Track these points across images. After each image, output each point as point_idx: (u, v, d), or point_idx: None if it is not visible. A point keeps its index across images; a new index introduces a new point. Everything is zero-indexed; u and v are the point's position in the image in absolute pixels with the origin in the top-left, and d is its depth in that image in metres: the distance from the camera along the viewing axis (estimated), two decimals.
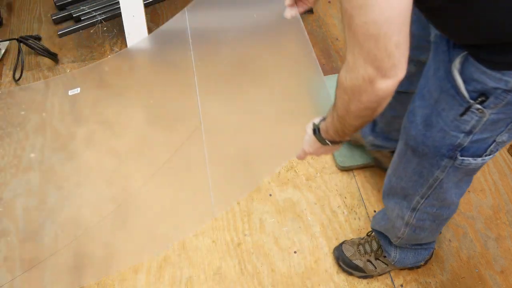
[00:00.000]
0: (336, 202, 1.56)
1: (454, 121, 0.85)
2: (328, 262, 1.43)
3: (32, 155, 1.70)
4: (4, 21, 2.21)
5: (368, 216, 1.53)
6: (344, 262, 1.39)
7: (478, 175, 1.62)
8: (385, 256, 1.36)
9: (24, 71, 1.97)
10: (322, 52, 2.05)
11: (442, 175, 0.96)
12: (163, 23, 2.20)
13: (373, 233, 1.40)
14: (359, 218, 1.52)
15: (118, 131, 1.77)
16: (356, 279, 1.39)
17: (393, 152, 1.47)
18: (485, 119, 0.82)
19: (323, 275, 1.40)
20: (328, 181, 1.61)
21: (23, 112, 1.84)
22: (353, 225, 1.51)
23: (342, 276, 1.40)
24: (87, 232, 1.50)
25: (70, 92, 1.86)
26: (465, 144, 0.87)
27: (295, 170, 1.64)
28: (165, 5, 2.30)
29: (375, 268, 1.37)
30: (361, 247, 1.39)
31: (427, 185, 1.01)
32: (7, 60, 2.04)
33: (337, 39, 2.11)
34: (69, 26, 2.17)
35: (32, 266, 1.42)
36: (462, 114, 0.83)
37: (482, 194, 1.58)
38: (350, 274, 1.39)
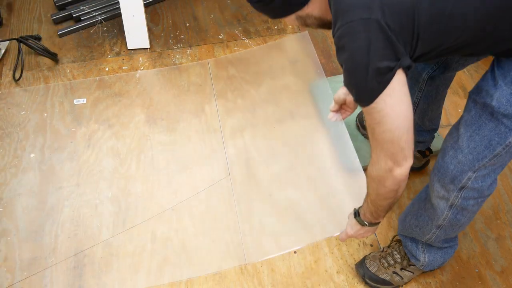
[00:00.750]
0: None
1: None
2: (328, 262, 1.43)
3: (32, 155, 1.70)
4: (4, 21, 2.21)
5: None
6: (370, 278, 1.36)
7: None
8: (410, 265, 1.35)
9: (24, 71, 1.97)
10: (322, 52, 2.05)
11: None
12: (163, 23, 2.21)
13: (393, 243, 1.39)
14: None
15: (118, 131, 1.77)
16: (356, 279, 1.39)
17: (419, 151, 1.56)
18: None
19: (323, 275, 1.40)
20: (328, 181, 1.61)
21: (23, 112, 1.84)
22: None
23: (342, 276, 1.40)
24: (87, 232, 1.50)
25: (76, 101, 1.86)
26: None
27: (295, 170, 1.64)
28: (165, 5, 2.30)
29: (402, 278, 1.36)
30: (383, 260, 1.37)
31: (490, 156, 1.02)
32: (7, 60, 2.04)
33: None
34: (69, 26, 2.17)
35: (31, 266, 1.42)
36: None
37: None
38: None
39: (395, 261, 1.37)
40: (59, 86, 1.93)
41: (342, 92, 1.26)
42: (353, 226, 1.22)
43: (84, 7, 2.22)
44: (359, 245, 1.46)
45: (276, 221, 1.52)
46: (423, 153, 1.58)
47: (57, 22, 2.20)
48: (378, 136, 0.95)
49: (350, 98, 1.24)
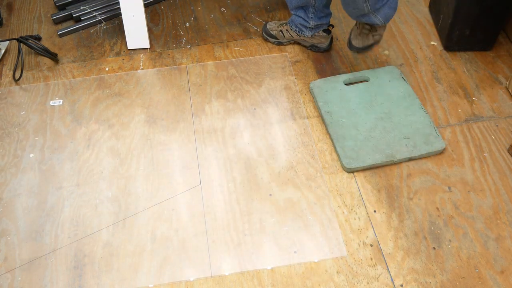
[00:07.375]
0: (336, 202, 1.56)
1: None
2: (328, 262, 1.43)
3: (32, 155, 1.70)
4: (4, 21, 2.21)
5: (368, 216, 1.53)
6: (265, 32, 2.03)
7: (478, 175, 1.62)
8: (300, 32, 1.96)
9: (24, 71, 1.98)
10: (322, 52, 2.05)
11: None
12: (163, 23, 2.21)
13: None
14: (359, 218, 1.52)
15: (118, 131, 1.77)
16: (356, 279, 1.39)
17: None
18: None
19: (323, 275, 1.40)
20: (328, 181, 1.61)
21: (23, 112, 1.84)
22: (353, 225, 1.51)
23: (342, 276, 1.40)
24: (87, 232, 1.50)
25: (52, 103, 1.85)
26: None
27: (295, 170, 1.64)
28: (165, 5, 2.30)
29: (284, 36, 1.99)
30: (281, 26, 2.00)
31: None
32: (7, 60, 2.04)
33: (337, 39, 2.11)
34: (69, 26, 2.17)
35: (32, 266, 1.42)
36: None
37: (482, 194, 1.58)
38: (266, 40, 2.05)
39: (287, 29, 1.98)
40: (59, 86, 1.93)
41: None
42: None
43: (84, 7, 2.22)
44: (359, 245, 1.47)
45: (276, 221, 1.52)
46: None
47: (57, 22, 2.20)
48: None
49: None
